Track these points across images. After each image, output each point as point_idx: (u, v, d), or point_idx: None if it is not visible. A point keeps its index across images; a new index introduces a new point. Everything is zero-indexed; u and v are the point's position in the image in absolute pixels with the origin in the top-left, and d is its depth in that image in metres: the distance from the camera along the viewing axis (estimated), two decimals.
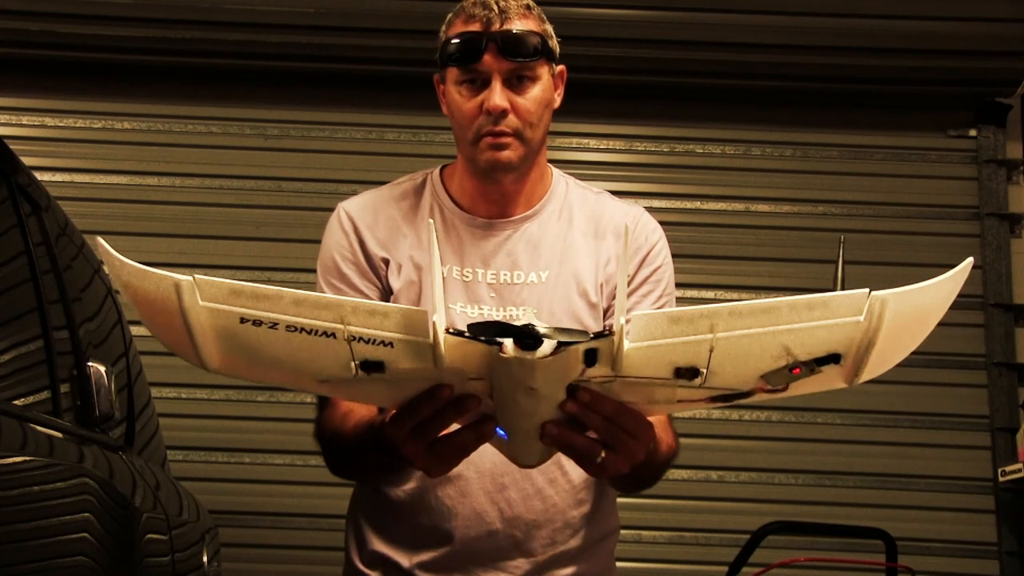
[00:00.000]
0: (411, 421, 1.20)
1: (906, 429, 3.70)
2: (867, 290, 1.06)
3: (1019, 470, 3.49)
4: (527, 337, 1.07)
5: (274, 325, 1.09)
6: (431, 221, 1.23)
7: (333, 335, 1.09)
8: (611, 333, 1.09)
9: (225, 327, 1.10)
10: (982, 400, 3.79)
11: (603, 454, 1.22)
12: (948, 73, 3.87)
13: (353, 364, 1.11)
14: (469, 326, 1.12)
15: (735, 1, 3.79)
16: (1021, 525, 3.73)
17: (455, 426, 1.22)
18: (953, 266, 1.12)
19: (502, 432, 1.23)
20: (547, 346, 1.08)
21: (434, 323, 1.08)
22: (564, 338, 1.09)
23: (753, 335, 1.08)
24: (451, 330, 1.10)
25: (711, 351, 1.09)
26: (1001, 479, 3.62)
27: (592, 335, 1.10)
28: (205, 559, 2.44)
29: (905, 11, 3.80)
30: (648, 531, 3.67)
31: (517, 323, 1.13)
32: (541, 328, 1.09)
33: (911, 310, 1.10)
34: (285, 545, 3.67)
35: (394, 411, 1.22)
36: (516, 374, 1.10)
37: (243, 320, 1.09)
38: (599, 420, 1.18)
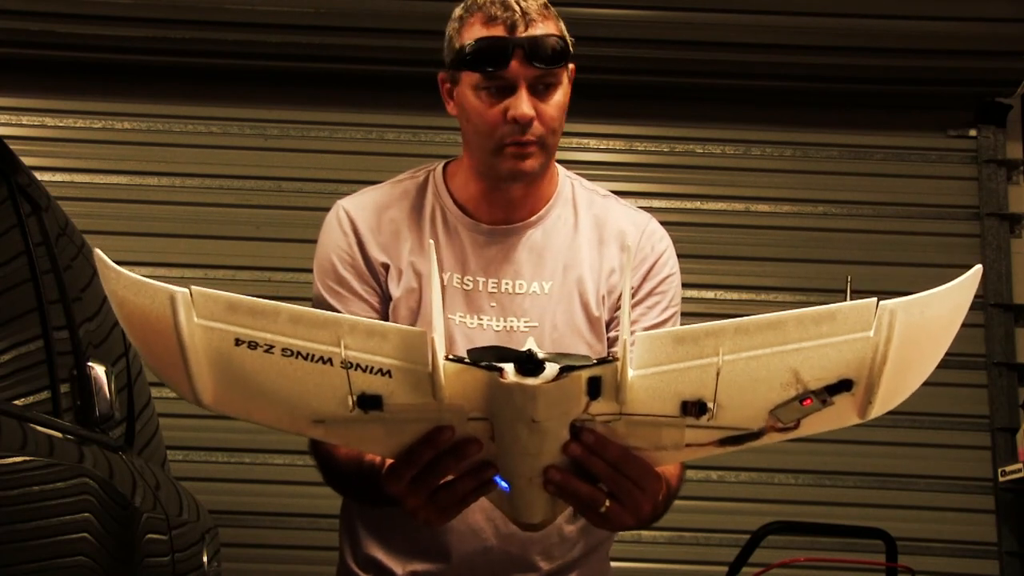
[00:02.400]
0: (410, 470, 1.17)
1: (906, 429, 3.71)
2: (875, 299, 1.03)
3: (1019, 470, 3.49)
4: (528, 362, 1.04)
5: (269, 348, 1.06)
6: (431, 242, 1.20)
7: (330, 361, 1.06)
8: (615, 359, 1.06)
9: (220, 350, 1.07)
10: (982, 400, 3.80)
11: (607, 504, 1.20)
12: (948, 73, 3.87)
13: (351, 399, 1.09)
14: (469, 351, 1.10)
15: (735, 1, 3.79)
16: (1021, 525, 3.73)
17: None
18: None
19: (504, 485, 1.19)
20: (549, 371, 1.05)
21: (433, 342, 1.05)
22: (566, 362, 1.06)
23: (760, 357, 1.05)
24: (450, 357, 1.07)
25: (717, 375, 1.05)
26: (1001, 479, 3.62)
27: (595, 361, 1.07)
28: (205, 559, 2.44)
29: (905, 11, 3.80)
30: (648, 531, 3.67)
31: (517, 345, 1.11)
32: (542, 354, 1.06)
33: (922, 321, 1.05)
34: (285, 545, 3.67)
35: (392, 462, 1.19)
36: (518, 403, 1.07)
37: (238, 342, 1.06)
38: (603, 466, 1.15)
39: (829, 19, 3.80)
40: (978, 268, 1.10)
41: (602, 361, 1.07)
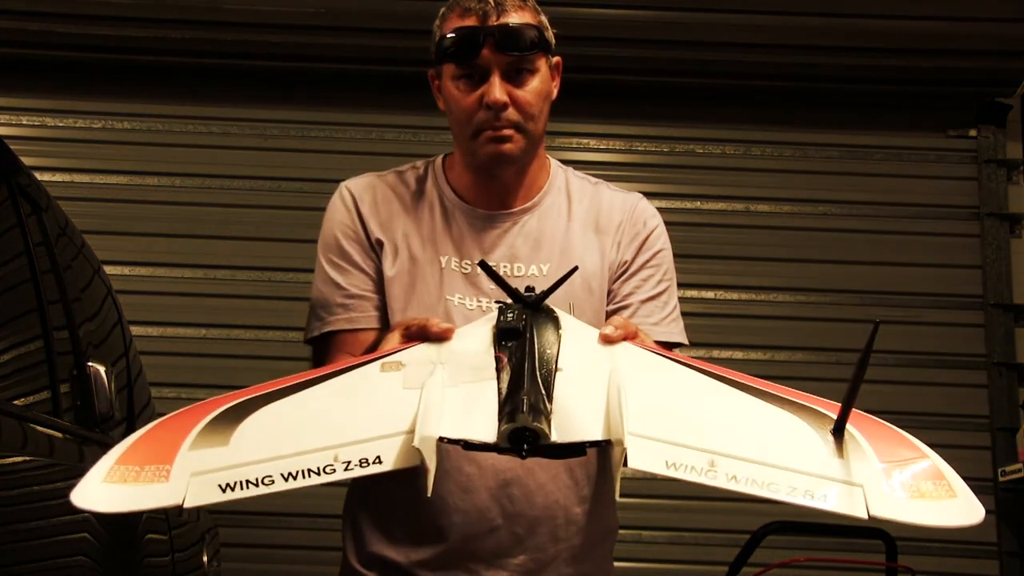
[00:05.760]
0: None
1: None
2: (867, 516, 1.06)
3: (1019, 470, 3.49)
4: (522, 453, 1.09)
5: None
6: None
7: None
8: (608, 443, 1.08)
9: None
10: (982, 400, 3.79)
11: None
12: (948, 73, 3.88)
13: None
14: (464, 444, 1.10)
15: (735, 1, 3.79)
16: (1021, 525, 3.73)
17: None
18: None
19: None
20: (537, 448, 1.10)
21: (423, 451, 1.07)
22: (562, 438, 1.09)
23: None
24: (446, 440, 1.08)
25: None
26: (1001, 479, 3.62)
27: (589, 443, 1.09)
28: (205, 559, 2.44)
29: (905, 11, 3.80)
30: (648, 531, 3.67)
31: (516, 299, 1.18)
32: (531, 422, 1.09)
33: None
34: (285, 545, 3.67)
35: None
36: None
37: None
38: None
39: (829, 19, 3.80)
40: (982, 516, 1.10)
41: (595, 444, 1.09)
